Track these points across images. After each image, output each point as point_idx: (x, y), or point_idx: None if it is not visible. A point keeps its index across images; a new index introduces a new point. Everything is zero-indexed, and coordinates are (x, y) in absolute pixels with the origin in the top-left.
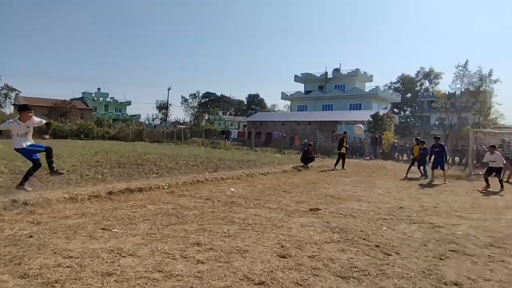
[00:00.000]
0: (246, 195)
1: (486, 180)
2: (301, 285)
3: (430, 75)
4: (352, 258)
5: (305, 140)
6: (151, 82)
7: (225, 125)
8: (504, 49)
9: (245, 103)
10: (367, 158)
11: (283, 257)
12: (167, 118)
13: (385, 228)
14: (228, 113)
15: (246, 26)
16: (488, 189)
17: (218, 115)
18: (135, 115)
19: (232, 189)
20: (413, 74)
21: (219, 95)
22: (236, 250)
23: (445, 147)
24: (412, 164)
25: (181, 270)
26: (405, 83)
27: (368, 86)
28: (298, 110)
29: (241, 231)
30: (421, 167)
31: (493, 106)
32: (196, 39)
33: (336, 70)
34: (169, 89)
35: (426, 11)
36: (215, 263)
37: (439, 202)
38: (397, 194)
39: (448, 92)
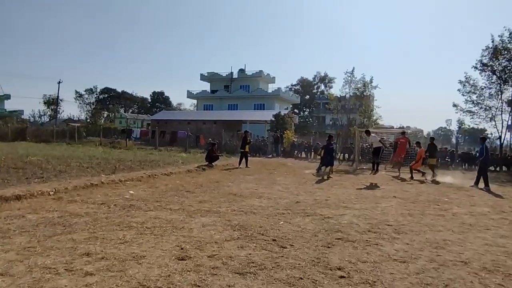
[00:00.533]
0: (146, 197)
1: (373, 164)
2: (198, 286)
3: (325, 79)
4: (250, 254)
5: (210, 139)
6: (36, 74)
7: (127, 123)
8: (384, 60)
9: (149, 100)
10: (270, 156)
11: (182, 259)
12: (58, 115)
13: (282, 222)
14: (131, 110)
15: (152, 20)
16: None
17: (119, 112)
18: (16, 111)
19: (131, 192)
20: (311, 78)
21: (120, 91)
22: (132, 257)
23: (334, 145)
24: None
25: (65, 286)
26: (304, 86)
27: (271, 87)
28: (204, 109)
29: (139, 236)
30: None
31: (374, 108)
32: (95, 31)
33: (241, 71)
34: (59, 82)
35: (322, 19)
36: (106, 273)
37: (330, 195)
38: (295, 189)
39: (339, 95)
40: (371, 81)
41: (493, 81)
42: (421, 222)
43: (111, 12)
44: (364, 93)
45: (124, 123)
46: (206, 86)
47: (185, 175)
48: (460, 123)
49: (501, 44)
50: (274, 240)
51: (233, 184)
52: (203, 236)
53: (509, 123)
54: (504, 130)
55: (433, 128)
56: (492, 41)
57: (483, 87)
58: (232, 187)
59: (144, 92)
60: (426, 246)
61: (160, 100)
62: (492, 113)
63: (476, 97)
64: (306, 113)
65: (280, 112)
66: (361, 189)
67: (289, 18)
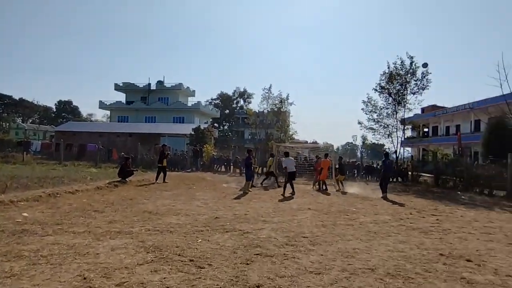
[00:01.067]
0: (44, 219)
1: (291, 185)
2: None
3: (244, 95)
4: (165, 278)
5: (122, 153)
6: None
7: (25, 134)
8: (298, 77)
9: (54, 110)
10: (189, 170)
11: None
12: None
13: (200, 240)
14: (30, 120)
15: (60, 26)
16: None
17: (15, 122)
18: None
19: (25, 214)
20: (230, 93)
21: (17, 98)
22: None
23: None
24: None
25: None
26: (224, 100)
27: (191, 101)
28: (118, 121)
29: (31, 266)
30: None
31: (290, 124)
32: None
33: (160, 83)
34: None
35: (241, 36)
36: None
37: (249, 210)
38: (214, 204)
39: (258, 110)
40: (287, 98)
41: (389, 102)
42: (333, 232)
43: (7, 12)
44: (281, 109)
45: (22, 134)
46: (121, 97)
47: (93, 192)
48: (364, 138)
49: (395, 71)
50: (191, 260)
51: (149, 201)
52: (112, 262)
53: (402, 139)
54: (398, 146)
55: (342, 143)
56: (388, 67)
57: (381, 107)
58: (148, 204)
59: (48, 100)
60: (339, 256)
61: (67, 110)
62: (390, 130)
63: (377, 115)
64: (225, 127)
65: (200, 125)
66: (279, 202)
67: (212, 33)
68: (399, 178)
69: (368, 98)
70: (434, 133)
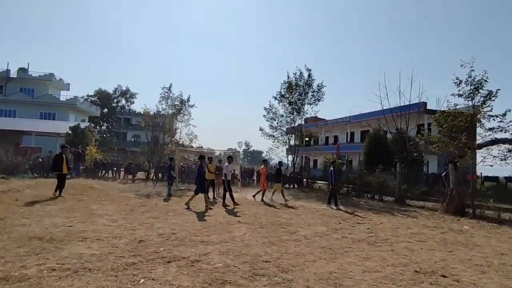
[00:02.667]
0: None
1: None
2: None
3: (127, 94)
4: None
5: None
6: None
7: None
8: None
9: None
10: (68, 176)
11: None
12: None
13: (142, 281)
14: None
15: None
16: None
17: None
18: None
19: None
20: (110, 90)
21: None
22: None
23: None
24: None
25: None
26: (102, 98)
27: (65, 95)
28: None
29: None
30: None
31: (191, 127)
32: None
33: (23, 70)
34: None
35: (125, 34)
36: None
37: (173, 227)
38: (125, 221)
39: (155, 111)
40: (188, 100)
41: (289, 111)
42: (289, 252)
43: None
44: (181, 111)
45: None
46: None
47: None
48: (247, 145)
49: (294, 81)
50: None
51: (31, 221)
52: None
53: (287, 147)
54: (296, 153)
55: (224, 149)
56: (288, 77)
57: (282, 115)
58: (32, 226)
59: None
60: (325, 284)
61: None
62: (288, 138)
63: (277, 123)
64: (103, 127)
65: (79, 124)
66: (199, 214)
67: (93, 24)
68: (295, 184)
69: (270, 106)
70: (315, 142)
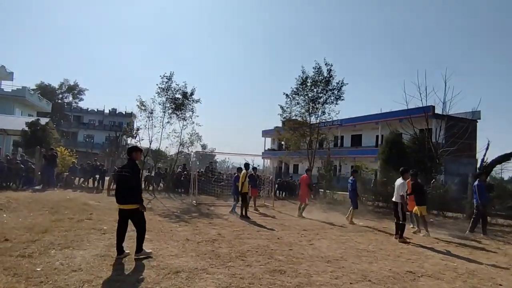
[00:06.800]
0: None
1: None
2: None
3: (75, 89)
4: None
5: None
6: None
7: None
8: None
9: None
10: (38, 187)
11: None
12: None
13: None
14: None
15: None
16: None
17: None
18: None
19: None
20: (56, 85)
21: None
22: None
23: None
24: None
25: None
26: (46, 93)
27: (10, 86)
28: None
29: None
30: None
31: (195, 125)
32: None
33: None
34: None
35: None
36: None
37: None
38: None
39: (152, 107)
40: (192, 93)
41: (305, 109)
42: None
43: None
44: (183, 106)
45: None
46: None
47: None
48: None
49: (313, 77)
50: None
51: None
52: None
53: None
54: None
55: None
56: (303, 72)
57: (296, 114)
58: None
59: None
60: None
61: None
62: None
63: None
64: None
65: (38, 119)
66: (343, 239)
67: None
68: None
69: (286, 104)
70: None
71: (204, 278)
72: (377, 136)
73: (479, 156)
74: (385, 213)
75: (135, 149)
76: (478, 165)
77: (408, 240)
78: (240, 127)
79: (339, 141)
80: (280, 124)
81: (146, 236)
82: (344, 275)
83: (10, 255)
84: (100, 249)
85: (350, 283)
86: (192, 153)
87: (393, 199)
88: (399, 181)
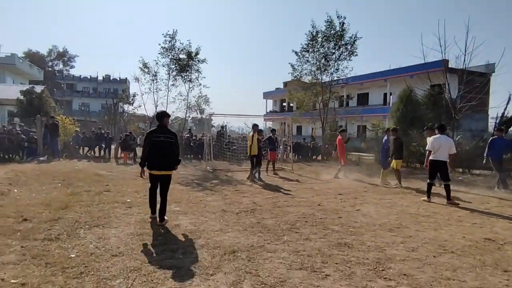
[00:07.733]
0: None
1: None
2: None
3: (65, 56)
4: None
5: None
6: None
7: None
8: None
9: None
10: (43, 158)
11: None
12: None
13: None
14: None
15: None
16: None
17: None
18: None
19: None
20: (44, 52)
21: None
22: None
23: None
24: None
25: None
26: (35, 61)
27: None
28: None
29: None
30: None
31: (201, 87)
32: None
33: None
34: None
35: None
36: None
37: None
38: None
39: (155, 70)
40: (197, 53)
41: (316, 66)
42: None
43: None
44: (188, 67)
45: None
46: None
47: None
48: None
49: (324, 31)
50: None
51: None
52: None
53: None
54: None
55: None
56: (313, 27)
57: (306, 73)
58: None
59: None
60: None
61: None
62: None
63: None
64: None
65: (33, 87)
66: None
67: None
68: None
69: (297, 61)
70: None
71: (267, 257)
72: (384, 94)
73: (491, 112)
74: (407, 172)
75: (166, 115)
76: (497, 120)
77: (456, 202)
78: (239, 90)
79: (344, 100)
80: (281, 86)
81: (177, 208)
82: (420, 247)
83: (35, 238)
84: (133, 226)
85: (434, 256)
86: (207, 116)
87: (438, 158)
88: (443, 138)
